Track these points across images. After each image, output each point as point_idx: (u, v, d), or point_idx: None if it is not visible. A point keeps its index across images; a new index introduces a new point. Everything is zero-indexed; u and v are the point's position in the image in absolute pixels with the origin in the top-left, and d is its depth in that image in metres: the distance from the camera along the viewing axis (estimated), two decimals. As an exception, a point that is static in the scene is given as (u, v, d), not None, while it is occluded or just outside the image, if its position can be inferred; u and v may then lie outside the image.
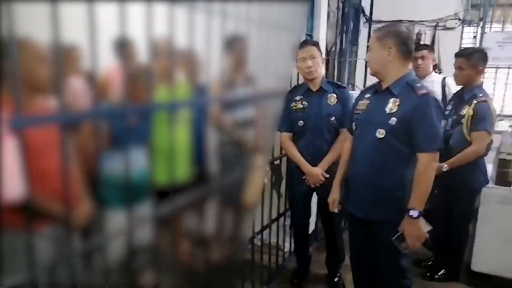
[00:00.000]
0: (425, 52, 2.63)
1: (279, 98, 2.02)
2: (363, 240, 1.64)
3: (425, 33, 3.55)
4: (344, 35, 3.30)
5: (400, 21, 3.50)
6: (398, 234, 1.48)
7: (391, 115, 1.47)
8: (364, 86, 2.68)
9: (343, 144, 1.99)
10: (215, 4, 1.03)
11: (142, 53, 0.94)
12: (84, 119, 0.65)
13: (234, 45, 1.20)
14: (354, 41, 3.73)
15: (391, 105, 1.48)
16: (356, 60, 3.55)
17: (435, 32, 3.51)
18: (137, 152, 1.00)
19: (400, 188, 1.47)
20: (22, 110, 0.47)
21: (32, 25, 0.64)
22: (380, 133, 1.49)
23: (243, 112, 1.43)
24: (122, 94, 1.00)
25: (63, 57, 0.72)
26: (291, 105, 2.02)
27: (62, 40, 0.64)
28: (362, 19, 3.73)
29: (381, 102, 1.52)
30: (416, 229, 1.45)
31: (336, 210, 1.77)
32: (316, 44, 2.00)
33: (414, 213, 1.43)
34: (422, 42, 3.46)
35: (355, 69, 3.60)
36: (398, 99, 1.48)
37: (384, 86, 1.54)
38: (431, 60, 2.64)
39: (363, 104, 1.61)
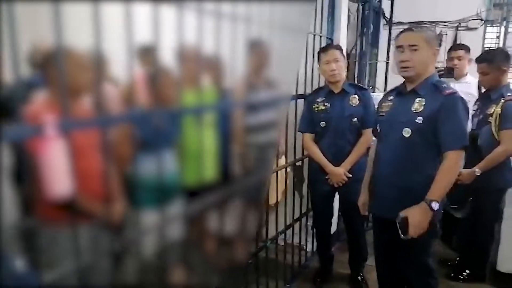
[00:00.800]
0: (461, 52, 2.57)
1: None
2: (390, 241, 1.62)
3: (447, 34, 3.47)
4: (364, 37, 3.27)
5: (421, 22, 3.44)
6: (402, 217, 1.43)
7: (417, 114, 1.46)
8: (385, 88, 2.64)
9: (366, 145, 1.99)
10: (239, 8, 1.05)
11: (169, 59, 0.98)
12: (122, 121, 0.67)
13: (255, 49, 1.22)
14: (375, 44, 3.69)
15: (417, 105, 1.47)
16: (376, 62, 3.50)
17: (456, 33, 3.43)
18: (167, 155, 1.03)
19: (426, 188, 1.44)
20: (69, 114, 0.50)
21: (71, 33, 0.67)
22: (407, 132, 1.47)
23: (265, 115, 1.45)
24: (149, 99, 1.03)
25: (99, 64, 0.76)
26: (313, 107, 2.02)
27: (101, 47, 0.67)
28: (382, 21, 3.69)
29: (406, 102, 1.51)
30: (423, 219, 1.41)
31: (366, 213, 1.76)
32: (339, 48, 2.01)
33: (435, 205, 1.40)
34: (443, 44, 3.39)
35: (375, 71, 3.56)
36: (423, 99, 1.47)
37: (410, 87, 1.52)
38: (467, 61, 2.57)
39: (386, 106, 1.60)
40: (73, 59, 0.82)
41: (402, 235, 1.44)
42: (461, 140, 1.42)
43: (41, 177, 0.54)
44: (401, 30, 1.58)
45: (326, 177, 2.01)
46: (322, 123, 2.00)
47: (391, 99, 1.60)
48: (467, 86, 2.46)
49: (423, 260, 1.55)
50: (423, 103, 1.46)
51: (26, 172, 0.53)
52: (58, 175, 0.55)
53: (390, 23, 3.21)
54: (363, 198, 1.73)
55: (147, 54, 0.87)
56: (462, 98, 1.44)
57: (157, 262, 1.01)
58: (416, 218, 1.41)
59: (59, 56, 0.50)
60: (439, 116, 1.42)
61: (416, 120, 1.45)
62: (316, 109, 2.02)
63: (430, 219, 1.41)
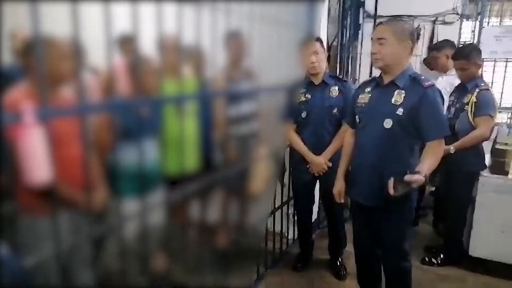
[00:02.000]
0: (434, 53, 2.85)
1: (282, 92, 2.05)
2: (368, 227, 1.67)
3: (424, 28, 3.53)
4: (345, 30, 3.30)
5: (400, 16, 3.49)
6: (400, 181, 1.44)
7: (397, 106, 1.50)
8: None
9: (341, 137, 2.03)
10: (220, 2, 1.06)
11: (150, 48, 0.98)
12: (102, 110, 0.68)
13: (232, 40, 1.23)
14: (355, 36, 3.72)
15: (397, 97, 1.51)
16: (358, 55, 3.54)
17: (434, 27, 3.50)
18: (148, 143, 1.03)
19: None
20: (47, 102, 0.50)
21: (50, 22, 0.67)
22: (387, 123, 1.52)
23: (245, 106, 1.46)
24: (130, 88, 1.03)
25: (79, 53, 0.76)
26: None
27: (80, 36, 0.67)
28: (363, 14, 3.72)
29: (386, 94, 1.54)
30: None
31: (342, 201, 1.81)
32: (320, 40, 2.03)
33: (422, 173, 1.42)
34: (421, 37, 3.45)
35: (357, 63, 3.60)
36: (403, 91, 1.50)
37: (388, 79, 1.55)
38: (445, 58, 2.76)
39: (364, 97, 1.63)
40: (53, 48, 0.82)
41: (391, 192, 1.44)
42: (444, 129, 1.49)
43: (19, 164, 0.54)
44: (397, 19, 1.62)
45: (307, 166, 2.04)
46: (303, 114, 2.03)
47: (368, 91, 1.63)
48: (454, 78, 2.55)
49: (398, 243, 1.61)
50: (403, 95, 1.50)
51: (4, 159, 0.54)
52: (37, 162, 0.55)
53: (375, 16, 3.23)
54: (338, 186, 1.77)
55: (127, 43, 0.87)
56: (438, 89, 1.50)
57: (138, 249, 1.02)
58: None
59: (38, 44, 0.50)
60: (419, 108, 1.46)
61: (396, 112, 1.50)
62: (298, 100, 2.04)
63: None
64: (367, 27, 3.57)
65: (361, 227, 1.76)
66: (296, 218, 2.34)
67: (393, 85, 1.53)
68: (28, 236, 0.72)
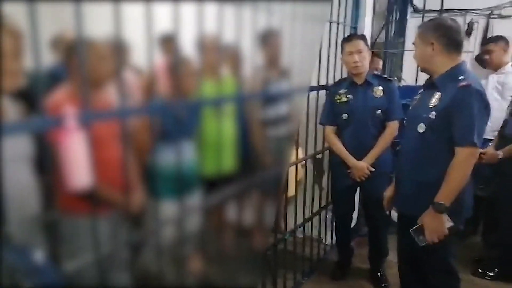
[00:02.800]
0: (491, 45, 2.59)
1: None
2: (408, 236, 1.60)
3: (478, 23, 3.33)
4: (390, 25, 3.18)
5: (451, 10, 3.31)
6: (417, 226, 1.44)
7: (432, 109, 1.43)
8: (415, 80, 2.56)
9: (390, 138, 1.96)
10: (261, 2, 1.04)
11: (190, 49, 0.98)
12: (143, 113, 0.68)
13: (268, 40, 1.21)
14: (401, 32, 3.58)
15: (434, 100, 1.44)
16: (403, 52, 3.40)
17: (488, 21, 3.28)
18: (186, 145, 1.03)
19: (440, 185, 1.40)
20: (89, 106, 0.50)
21: (92, 23, 0.68)
22: (421, 128, 1.45)
23: (281, 107, 1.44)
24: (170, 89, 1.04)
25: (121, 53, 0.76)
26: (335, 98, 1.99)
27: (122, 37, 0.67)
28: (410, 9, 3.57)
29: (427, 96, 1.48)
30: (437, 223, 1.39)
31: (389, 209, 1.74)
32: (363, 38, 1.96)
33: (439, 207, 1.37)
34: (474, 32, 3.26)
35: (401, 61, 3.45)
36: (440, 93, 1.43)
37: (432, 81, 1.50)
38: (502, 52, 2.55)
39: (415, 99, 1.59)
40: (95, 50, 0.83)
41: (420, 243, 1.44)
42: (470, 136, 1.36)
43: (61, 168, 0.55)
44: (430, 18, 1.55)
45: (348, 171, 1.98)
46: (344, 116, 1.96)
47: (420, 93, 1.58)
48: (504, 77, 2.38)
49: (444, 260, 1.52)
50: (439, 97, 1.43)
51: (47, 163, 0.54)
52: (78, 166, 0.56)
53: (423, 10, 3.08)
54: (389, 192, 1.70)
55: (168, 42, 0.88)
56: (478, 90, 1.37)
57: (175, 251, 1.03)
58: (430, 223, 1.40)
59: (80, 45, 0.50)
60: (452, 110, 1.38)
61: (429, 115, 1.43)
62: (338, 100, 1.98)
63: (442, 221, 1.39)
64: (414, 22, 3.42)
65: (402, 236, 1.68)
66: (334, 224, 2.28)
67: (433, 87, 1.48)
68: (69, 242, 0.73)
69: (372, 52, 2.32)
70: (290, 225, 2.07)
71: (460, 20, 4.09)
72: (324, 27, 1.98)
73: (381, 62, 2.80)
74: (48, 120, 0.46)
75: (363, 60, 1.89)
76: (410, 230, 1.45)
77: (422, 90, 1.58)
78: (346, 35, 2.12)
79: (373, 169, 1.93)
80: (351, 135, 1.96)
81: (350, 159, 1.95)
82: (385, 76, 2.19)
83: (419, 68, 1.62)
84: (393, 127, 1.94)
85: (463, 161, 1.37)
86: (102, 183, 0.82)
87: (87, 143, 0.54)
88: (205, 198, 1.04)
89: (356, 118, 1.94)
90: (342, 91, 1.97)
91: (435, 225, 1.39)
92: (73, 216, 0.77)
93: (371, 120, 1.93)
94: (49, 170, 0.54)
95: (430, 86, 1.50)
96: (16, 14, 0.54)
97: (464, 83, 1.37)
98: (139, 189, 0.96)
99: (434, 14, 3.48)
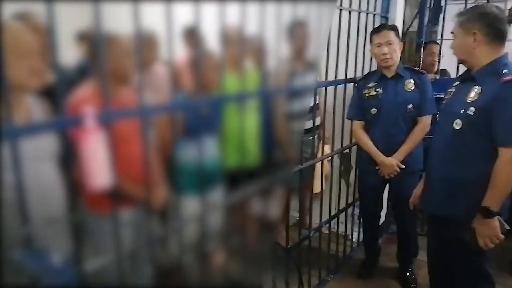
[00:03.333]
0: None
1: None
2: (439, 237, 1.54)
3: (520, 8, 3.15)
4: (424, 13, 3.06)
5: (490, -4, 3.15)
6: (468, 232, 1.36)
7: (470, 104, 1.35)
8: (457, 72, 2.45)
9: (421, 134, 1.89)
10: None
11: (212, 42, 0.97)
12: (164, 111, 0.68)
13: (295, 31, 1.18)
14: (435, 21, 3.44)
15: (473, 94, 1.36)
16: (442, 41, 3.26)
17: (532, 7, 3.10)
18: (209, 140, 1.03)
19: (479, 185, 1.34)
20: (110, 104, 0.50)
21: (112, 17, 0.68)
22: (457, 124, 1.38)
23: (307, 101, 1.42)
24: (193, 82, 1.04)
25: (145, 48, 0.76)
26: (364, 92, 1.93)
27: (142, 31, 0.67)
28: (446, -4, 3.42)
29: (464, 90, 1.40)
30: (490, 229, 1.32)
31: (415, 207, 1.68)
32: (394, 29, 1.90)
33: (489, 213, 1.31)
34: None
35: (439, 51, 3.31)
36: (480, 87, 1.35)
37: (472, 73, 1.41)
38: None
39: (449, 92, 1.51)
40: (118, 45, 0.84)
41: (475, 249, 1.37)
42: None
43: (82, 167, 0.56)
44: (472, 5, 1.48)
45: (377, 168, 1.93)
46: (373, 110, 1.90)
47: (455, 85, 1.50)
48: None
49: (479, 264, 1.46)
50: (479, 92, 1.34)
51: (69, 162, 0.55)
52: (98, 166, 0.56)
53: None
54: (419, 189, 1.65)
55: (191, 35, 0.87)
56: None
57: (199, 247, 1.03)
58: (482, 230, 1.33)
59: (100, 43, 0.50)
60: (493, 107, 1.30)
61: (467, 112, 1.34)
62: (367, 94, 1.92)
63: (494, 226, 1.32)
64: (451, 9, 3.26)
65: (432, 236, 1.63)
66: (361, 220, 2.24)
67: (471, 80, 1.39)
68: (93, 238, 0.75)
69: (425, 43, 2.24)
70: (316, 221, 2.05)
71: (501, 6, 3.89)
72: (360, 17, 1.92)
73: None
74: (67, 120, 0.47)
75: (393, 52, 1.83)
76: (464, 234, 1.38)
77: (458, 83, 1.50)
78: (376, 25, 2.06)
79: (403, 167, 1.87)
80: (380, 131, 1.90)
81: (379, 155, 1.90)
82: (417, 68, 2.11)
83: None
84: (425, 122, 1.87)
85: (507, 163, 1.29)
86: (125, 180, 0.83)
87: (108, 142, 0.54)
88: (228, 195, 1.04)
89: (386, 113, 1.88)
90: (371, 84, 1.92)
91: (488, 231, 1.33)
92: (96, 214, 0.78)
93: (401, 115, 1.87)
94: (71, 169, 0.55)
95: (468, 79, 1.42)
96: (38, 10, 0.54)
97: (508, 77, 1.29)
98: (162, 185, 0.96)
99: (473, 2, 3.33)
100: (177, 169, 0.97)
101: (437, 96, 1.93)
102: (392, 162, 1.87)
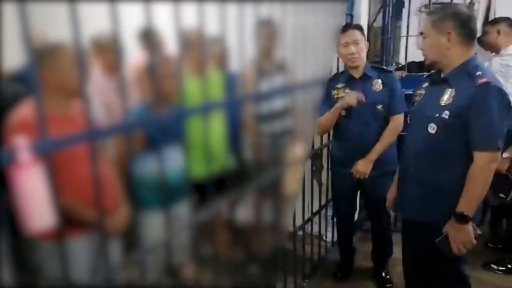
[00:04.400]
0: (488, 27, 2.54)
1: (318, 87, 1.94)
2: (414, 241, 1.55)
3: (479, 2, 3.28)
4: (387, 8, 3.11)
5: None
6: (441, 236, 1.38)
7: (444, 108, 1.34)
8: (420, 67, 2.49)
9: (395, 133, 1.89)
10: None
11: (171, 45, 0.91)
12: (117, 132, 0.61)
13: (262, 29, 1.15)
14: (398, 15, 3.51)
15: (446, 97, 1.34)
16: (403, 37, 3.34)
17: (490, 1, 3.23)
18: (172, 151, 0.98)
19: (455, 189, 1.34)
20: (46, 131, 0.43)
21: (48, 24, 0.62)
22: (432, 128, 1.37)
23: (277, 102, 1.38)
24: (151, 90, 0.98)
25: (87, 54, 0.69)
26: (333, 94, 1.92)
27: (83, 37, 0.60)
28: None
29: (436, 93, 1.39)
30: (464, 234, 1.33)
31: (392, 211, 1.68)
32: (359, 28, 1.90)
33: (463, 218, 1.32)
34: (475, 12, 3.20)
35: (405, 47, 3.38)
36: (454, 90, 1.34)
37: (443, 75, 1.40)
38: (497, 33, 2.46)
39: (419, 94, 1.49)
40: (65, 56, 0.76)
41: (447, 255, 1.38)
42: (492, 139, 1.28)
43: (18, 207, 0.48)
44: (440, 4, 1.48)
45: (351, 171, 1.92)
46: (343, 112, 1.88)
47: (424, 87, 1.49)
48: (509, 59, 2.31)
49: (455, 267, 1.47)
50: (453, 95, 1.33)
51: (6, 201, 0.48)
52: (36, 206, 0.49)
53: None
54: (392, 192, 1.64)
55: (144, 39, 0.82)
56: (498, 89, 1.28)
57: (167, 262, 0.98)
58: (456, 235, 1.34)
59: (33, 54, 0.44)
60: (469, 110, 1.29)
61: (442, 115, 1.34)
62: (336, 95, 1.91)
63: (468, 232, 1.33)
64: (414, 3, 3.34)
65: (408, 242, 1.62)
66: (335, 222, 2.24)
67: (444, 82, 1.38)
68: (44, 267, 0.68)
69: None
70: (289, 223, 2.03)
71: (460, 0, 4.03)
72: (323, 16, 1.91)
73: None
74: (2, 153, 0.39)
75: (361, 51, 1.83)
76: (435, 241, 1.38)
77: (427, 84, 1.49)
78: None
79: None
80: (351, 133, 1.90)
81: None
82: (384, 67, 2.12)
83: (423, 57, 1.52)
84: (396, 121, 1.88)
85: (484, 167, 1.29)
86: (76, 204, 0.76)
87: (49, 175, 0.47)
88: (198, 211, 0.99)
89: (355, 114, 1.87)
90: (339, 85, 1.91)
91: (462, 237, 1.33)
92: (42, 242, 0.71)
93: (372, 116, 1.87)
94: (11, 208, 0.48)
95: (438, 81, 1.42)
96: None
97: (482, 80, 1.28)
98: (121, 204, 0.90)
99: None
100: (139, 185, 0.91)
101: (406, 93, 1.95)
102: (361, 164, 1.87)
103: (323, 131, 2.05)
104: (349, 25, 1.94)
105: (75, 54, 0.66)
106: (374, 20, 3.11)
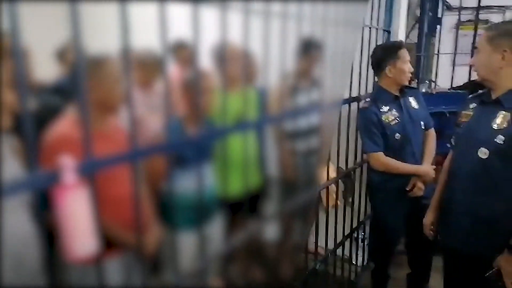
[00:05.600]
0: None
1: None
2: (459, 273, 1.44)
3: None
4: (422, 25, 3.04)
5: (489, 7, 3.16)
6: (492, 270, 1.27)
7: (498, 132, 1.25)
8: (451, 84, 2.38)
9: (435, 145, 1.83)
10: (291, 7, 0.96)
11: (209, 61, 0.90)
12: (157, 152, 0.58)
13: (310, 52, 1.12)
14: (433, 32, 3.43)
15: (500, 120, 1.26)
16: (436, 54, 3.25)
17: (532, 18, 3.11)
18: (206, 168, 0.95)
19: (509, 220, 1.25)
20: (92, 151, 0.41)
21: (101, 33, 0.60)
22: (483, 153, 1.28)
23: (312, 119, 1.34)
24: (187, 105, 0.96)
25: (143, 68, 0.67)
26: (382, 118, 1.77)
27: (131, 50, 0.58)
28: (442, 6, 3.41)
29: (488, 115, 1.30)
30: None
31: (429, 235, 1.58)
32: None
33: None
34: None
35: (436, 63, 3.30)
36: (509, 114, 1.25)
37: (494, 96, 1.32)
38: None
39: (466, 115, 1.40)
40: (109, 69, 0.74)
41: None
42: None
43: (60, 232, 0.45)
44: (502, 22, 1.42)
45: (408, 191, 1.80)
46: (397, 136, 1.75)
47: (472, 108, 1.40)
48: None
49: None
50: (508, 119, 1.25)
51: (44, 216, 0.45)
52: (80, 231, 0.46)
53: (460, 8, 2.89)
54: (430, 217, 1.55)
55: (183, 52, 0.80)
56: None
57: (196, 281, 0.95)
58: (509, 268, 1.23)
59: (80, 67, 0.41)
60: None
61: (495, 140, 1.25)
62: (386, 120, 1.77)
63: None
64: (448, 21, 3.26)
65: (451, 274, 1.50)
66: (370, 247, 2.15)
67: (497, 104, 1.29)
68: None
69: None
70: (321, 245, 1.96)
71: (498, 18, 3.90)
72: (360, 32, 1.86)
73: None
74: (41, 176, 0.36)
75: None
76: (486, 276, 1.28)
77: (475, 105, 1.41)
78: (378, 40, 2.01)
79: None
80: (409, 156, 1.78)
81: (419, 168, 1.78)
82: (411, 85, 2.05)
83: (454, 71, 1.44)
84: (434, 135, 1.83)
85: None
86: (112, 225, 0.74)
87: (92, 198, 0.44)
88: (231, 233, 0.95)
89: (409, 136, 1.76)
90: (385, 109, 1.77)
91: None
92: (79, 265, 0.68)
93: (420, 134, 1.79)
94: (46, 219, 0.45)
95: (489, 102, 1.33)
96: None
97: None
98: (153, 225, 0.87)
99: (470, 12, 3.33)
100: (172, 204, 0.88)
101: (437, 111, 1.88)
102: (428, 169, 1.78)
103: (384, 170, 1.87)
104: (401, 42, 1.85)
105: (121, 67, 0.64)
106: (407, 37, 3.04)
